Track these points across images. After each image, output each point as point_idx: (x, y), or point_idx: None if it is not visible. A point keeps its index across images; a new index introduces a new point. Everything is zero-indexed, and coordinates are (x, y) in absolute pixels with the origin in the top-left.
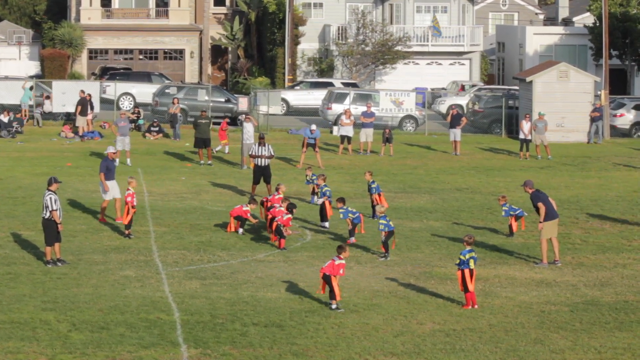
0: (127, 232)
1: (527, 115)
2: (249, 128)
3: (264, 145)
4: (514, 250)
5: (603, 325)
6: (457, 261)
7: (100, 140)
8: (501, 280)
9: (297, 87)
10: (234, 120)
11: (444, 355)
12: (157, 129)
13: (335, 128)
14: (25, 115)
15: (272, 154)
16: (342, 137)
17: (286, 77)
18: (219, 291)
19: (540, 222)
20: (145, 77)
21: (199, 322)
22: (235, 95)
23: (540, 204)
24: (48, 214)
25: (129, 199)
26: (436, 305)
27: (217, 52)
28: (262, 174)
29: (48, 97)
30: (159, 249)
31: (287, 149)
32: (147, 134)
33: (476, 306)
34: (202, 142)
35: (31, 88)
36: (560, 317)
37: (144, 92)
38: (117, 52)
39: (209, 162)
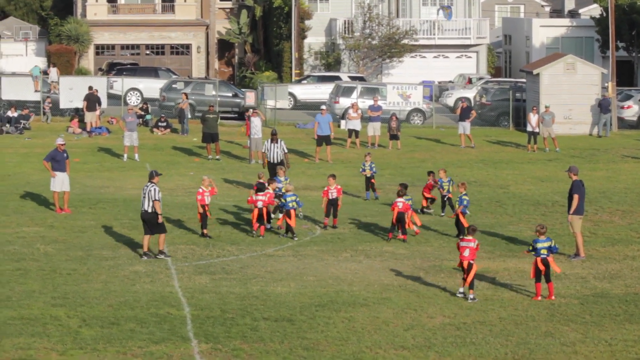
0: (204, 231)
1: (535, 108)
2: (256, 122)
3: (277, 142)
4: (523, 242)
5: (613, 317)
6: (530, 248)
7: (108, 135)
8: (511, 273)
9: (304, 81)
10: (241, 115)
11: (455, 348)
12: (164, 124)
13: (342, 122)
14: (37, 90)
15: (285, 151)
16: (350, 131)
17: (293, 72)
18: (229, 286)
19: (570, 213)
20: (152, 72)
21: (209, 317)
22: (243, 90)
23: (576, 196)
24: (149, 206)
25: (199, 197)
26: (446, 299)
27: (224, 47)
28: (275, 170)
29: (54, 65)
30: (168, 244)
31: (295, 143)
32: (154, 129)
33: (553, 297)
34: (210, 137)
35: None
36: (570, 309)
37: (151, 87)
38: (124, 47)
39: (217, 157)
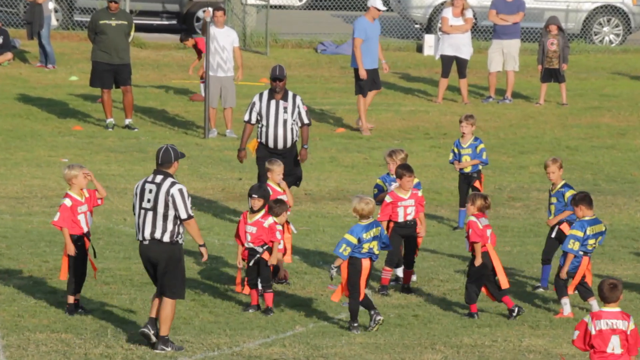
0: (68, 299)
1: None
2: (222, 40)
3: (285, 99)
4: None
5: None
6: None
7: None
8: None
9: None
10: (188, 23)
11: None
12: None
13: (429, 40)
14: None
15: (306, 121)
16: (447, 61)
17: None
18: None
19: None
20: None
21: None
22: None
23: None
24: (165, 231)
25: (63, 215)
26: None
27: None
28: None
29: None
30: (7, 330)
31: (316, 89)
32: None
33: None
34: (111, 74)
35: None
36: None
37: None
38: None
39: (128, 120)
